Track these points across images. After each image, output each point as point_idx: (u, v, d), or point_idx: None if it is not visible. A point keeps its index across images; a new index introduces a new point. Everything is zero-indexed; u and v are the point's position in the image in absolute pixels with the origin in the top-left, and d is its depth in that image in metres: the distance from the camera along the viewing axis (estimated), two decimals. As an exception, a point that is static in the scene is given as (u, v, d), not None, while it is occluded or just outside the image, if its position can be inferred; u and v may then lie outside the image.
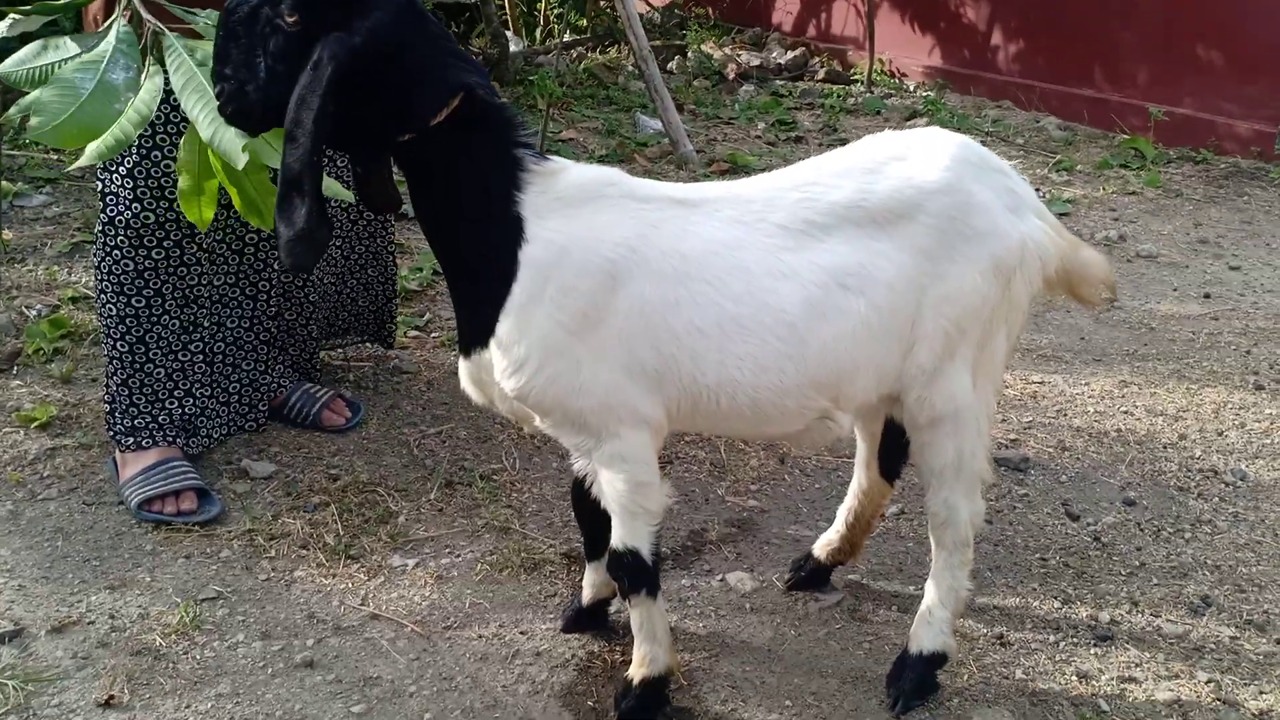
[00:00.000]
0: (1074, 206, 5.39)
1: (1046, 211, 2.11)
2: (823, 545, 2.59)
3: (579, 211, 1.90)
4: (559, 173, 1.92)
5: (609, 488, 2.02)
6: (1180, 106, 6.40)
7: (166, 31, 2.03)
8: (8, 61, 2.01)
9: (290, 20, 1.78)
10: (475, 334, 1.97)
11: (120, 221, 2.74)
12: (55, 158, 5.40)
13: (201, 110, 1.96)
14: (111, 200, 2.74)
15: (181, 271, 2.83)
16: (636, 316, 1.90)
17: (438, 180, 1.89)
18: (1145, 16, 6.61)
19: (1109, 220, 5.24)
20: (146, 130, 2.65)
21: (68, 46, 2.03)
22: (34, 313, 3.78)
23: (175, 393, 2.91)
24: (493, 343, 1.93)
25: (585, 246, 1.88)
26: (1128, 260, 4.77)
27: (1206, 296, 4.41)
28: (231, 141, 1.94)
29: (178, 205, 2.71)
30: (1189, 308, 4.30)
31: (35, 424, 3.13)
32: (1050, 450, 3.26)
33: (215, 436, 3.03)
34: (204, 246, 2.84)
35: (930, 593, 2.29)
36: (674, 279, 1.90)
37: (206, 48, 1.99)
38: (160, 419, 2.88)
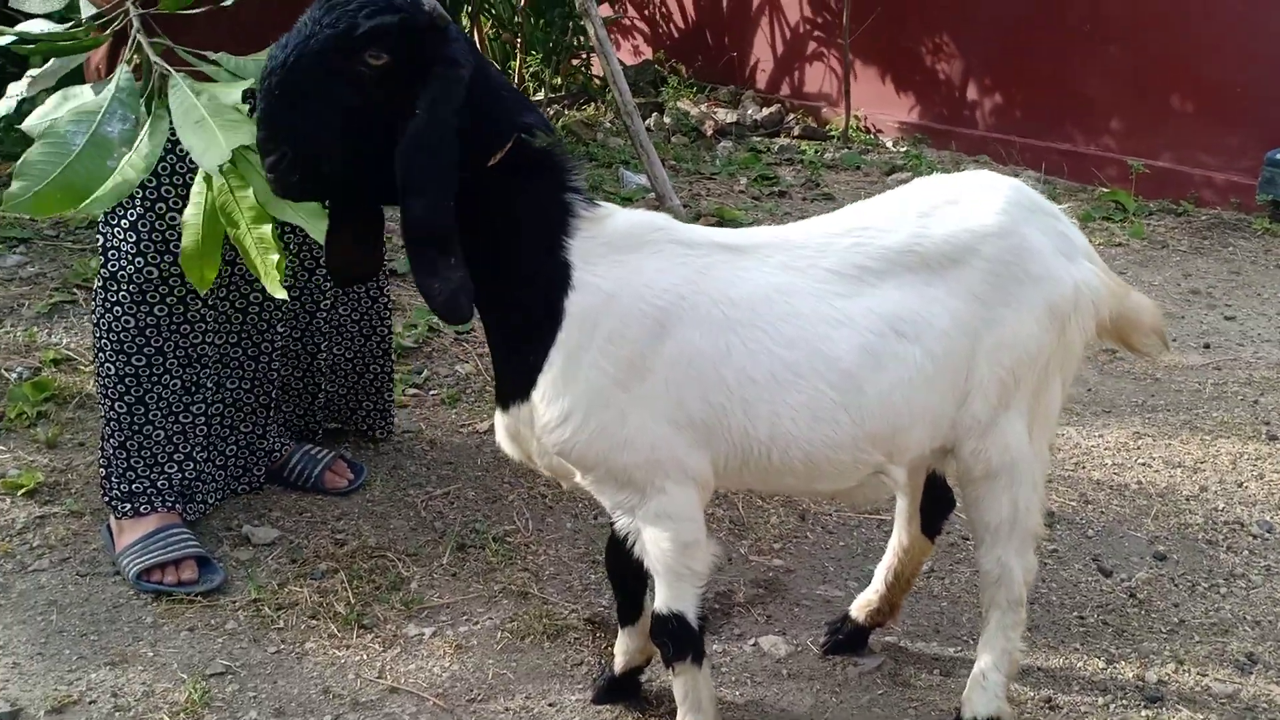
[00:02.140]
0: (1064, 258, 5.39)
1: (1096, 256, 2.06)
2: (861, 606, 2.49)
3: (627, 258, 1.82)
4: (606, 218, 1.84)
5: (653, 547, 1.92)
6: (1158, 159, 6.45)
7: (173, 73, 1.89)
8: (31, 116, 1.88)
9: (378, 63, 1.64)
10: (516, 386, 1.87)
11: (122, 276, 2.62)
12: (29, 217, 5.26)
13: (194, 137, 1.80)
14: (113, 255, 2.63)
15: (185, 329, 2.71)
16: (685, 365, 1.81)
17: (484, 225, 1.79)
18: (1118, 70, 6.68)
19: (1101, 271, 5.24)
20: (151, 181, 2.54)
21: (85, 94, 1.89)
22: (14, 375, 3.63)
23: (175, 456, 2.78)
24: (534, 395, 1.83)
25: (633, 293, 1.80)
26: (1124, 311, 4.76)
27: (1206, 347, 4.39)
28: (214, 155, 1.76)
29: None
30: (1190, 358, 4.27)
31: (22, 491, 2.98)
32: (1074, 504, 3.19)
33: (211, 502, 2.90)
34: (208, 304, 2.72)
35: (983, 656, 2.20)
36: (724, 326, 1.82)
37: (216, 90, 1.87)
38: (159, 484, 2.75)
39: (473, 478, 3.17)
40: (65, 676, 2.36)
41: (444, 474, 3.20)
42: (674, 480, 1.88)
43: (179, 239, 2.55)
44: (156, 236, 2.59)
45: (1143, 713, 2.36)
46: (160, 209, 2.58)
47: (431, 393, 3.69)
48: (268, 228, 1.87)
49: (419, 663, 2.44)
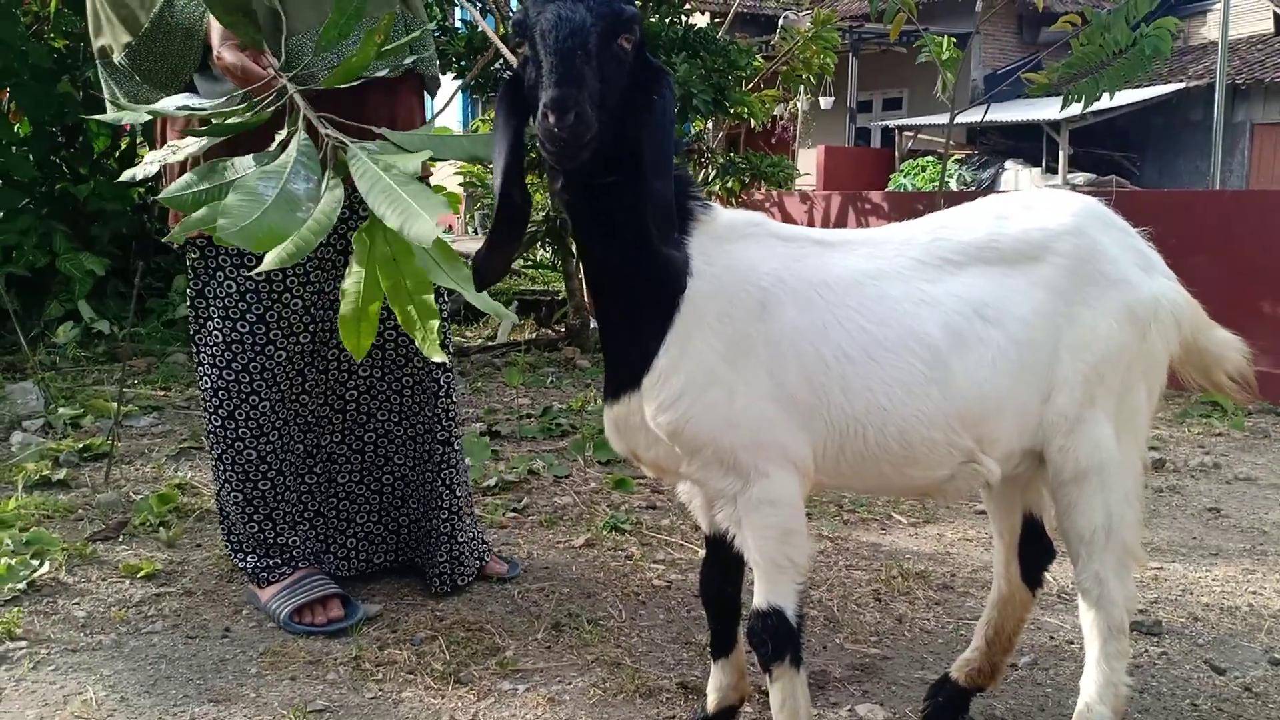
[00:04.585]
0: (1162, 443, 5.36)
1: (1173, 275, 2.15)
2: (960, 666, 2.44)
3: (731, 247, 1.98)
4: (716, 217, 2.01)
5: (754, 536, 1.97)
6: (1256, 364, 6.46)
7: (348, 143, 1.98)
8: (173, 186, 1.95)
9: (629, 45, 1.80)
10: (630, 373, 1.98)
11: (254, 368, 2.80)
12: (162, 393, 5.64)
13: (389, 208, 1.82)
14: (237, 349, 2.78)
15: (304, 399, 2.92)
16: (786, 343, 1.93)
17: (626, 221, 1.90)
18: (1210, 280, 6.81)
19: (1199, 452, 5.19)
20: (308, 317, 2.82)
21: (238, 167, 1.98)
22: (140, 498, 3.83)
23: (305, 514, 2.99)
24: (647, 379, 1.94)
25: (739, 276, 1.94)
26: (1226, 482, 4.68)
27: (1315, 510, 4.29)
28: (423, 226, 1.76)
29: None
30: (1299, 518, 4.18)
31: (140, 574, 3.12)
32: (1182, 620, 3.09)
33: (341, 566, 3.08)
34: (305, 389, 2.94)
35: (1086, 689, 2.13)
36: (820, 306, 1.94)
37: (394, 160, 1.92)
38: (297, 546, 2.96)
39: (568, 578, 3.22)
40: (170, 710, 2.41)
41: (540, 575, 3.25)
42: (776, 464, 1.95)
43: (294, 324, 2.78)
44: (282, 325, 2.81)
45: (1266, 778, 2.24)
46: (323, 335, 2.87)
47: (531, 517, 3.78)
48: (430, 296, 1.90)
49: (512, 711, 2.44)
